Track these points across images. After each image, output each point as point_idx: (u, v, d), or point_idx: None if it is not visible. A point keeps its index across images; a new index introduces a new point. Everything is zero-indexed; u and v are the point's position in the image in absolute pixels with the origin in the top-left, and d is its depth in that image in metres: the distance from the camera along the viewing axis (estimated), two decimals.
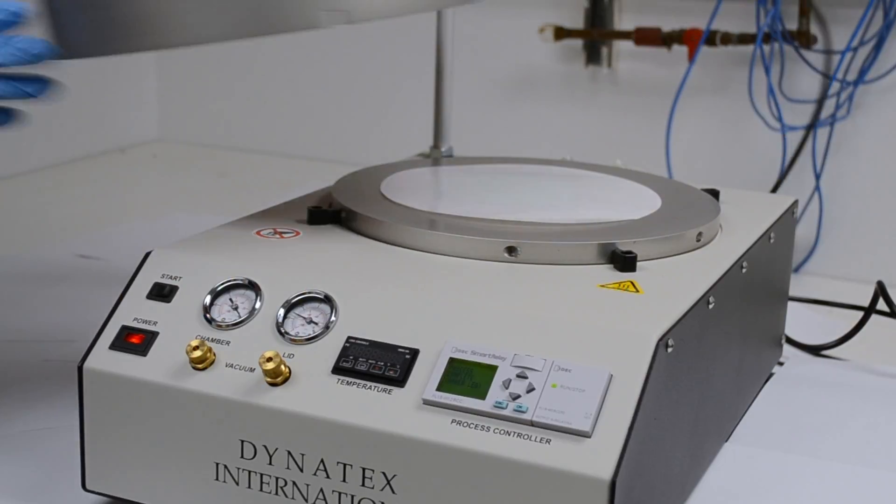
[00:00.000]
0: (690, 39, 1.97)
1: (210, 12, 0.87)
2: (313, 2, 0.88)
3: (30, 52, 0.85)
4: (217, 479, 0.90)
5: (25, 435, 1.09)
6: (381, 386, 0.86)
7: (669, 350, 0.85)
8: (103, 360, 0.93)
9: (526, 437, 0.82)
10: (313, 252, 0.98)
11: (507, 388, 0.83)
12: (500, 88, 2.14)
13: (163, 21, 0.87)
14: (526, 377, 0.84)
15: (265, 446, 0.88)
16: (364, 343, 0.88)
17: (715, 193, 1.16)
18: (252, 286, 0.93)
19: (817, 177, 1.92)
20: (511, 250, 0.97)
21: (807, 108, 1.93)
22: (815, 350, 1.33)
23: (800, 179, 1.95)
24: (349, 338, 0.89)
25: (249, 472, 0.89)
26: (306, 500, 0.88)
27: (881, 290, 1.25)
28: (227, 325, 0.92)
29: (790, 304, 1.26)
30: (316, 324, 0.90)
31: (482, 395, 0.84)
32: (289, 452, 0.88)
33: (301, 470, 0.88)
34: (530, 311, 0.88)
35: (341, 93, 2.30)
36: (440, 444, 0.83)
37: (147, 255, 0.98)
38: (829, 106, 1.91)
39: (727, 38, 1.95)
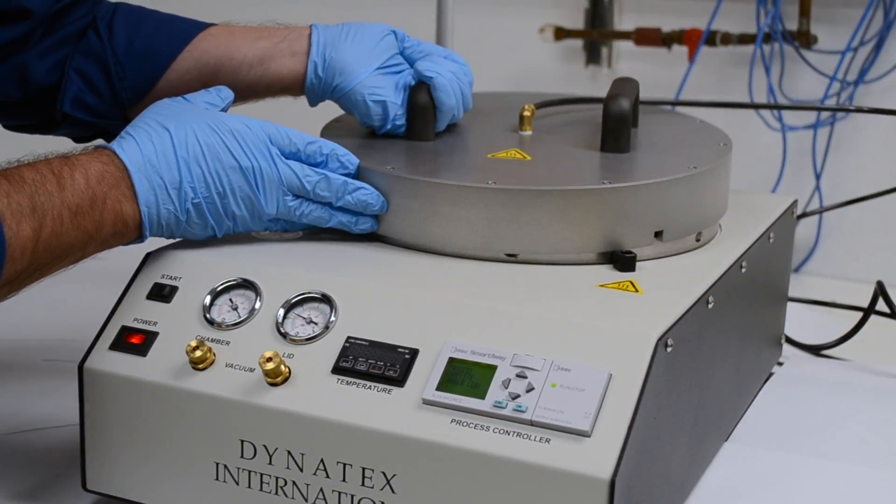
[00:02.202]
0: (690, 39, 1.97)
1: None
2: None
3: (367, 206, 0.98)
4: (217, 479, 0.90)
5: (25, 435, 1.09)
6: (381, 386, 0.86)
7: (669, 350, 0.85)
8: (103, 360, 0.93)
9: (525, 436, 0.81)
10: (313, 252, 0.98)
11: (506, 388, 0.83)
12: (501, 88, 2.14)
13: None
14: (525, 377, 0.84)
15: (265, 446, 0.88)
16: (364, 343, 0.88)
17: None
18: (252, 286, 0.93)
19: (817, 177, 1.92)
20: None
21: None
22: (815, 350, 1.33)
23: (800, 179, 1.95)
24: (349, 338, 0.89)
25: (249, 472, 0.89)
26: (306, 500, 0.88)
27: (881, 290, 1.25)
28: (227, 326, 0.92)
29: (790, 304, 1.26)
30: (316, 324, 0.90)
31: (482, 395, 0.84)
32: (289, 452, 0.88)
33: (301, 470, 0.87)
34: (530, 311, 0.87)
35: None
36: (440, 443, 0.83)
37: (147, 255, 0.98)
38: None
39: (727, 38, 1.94)
